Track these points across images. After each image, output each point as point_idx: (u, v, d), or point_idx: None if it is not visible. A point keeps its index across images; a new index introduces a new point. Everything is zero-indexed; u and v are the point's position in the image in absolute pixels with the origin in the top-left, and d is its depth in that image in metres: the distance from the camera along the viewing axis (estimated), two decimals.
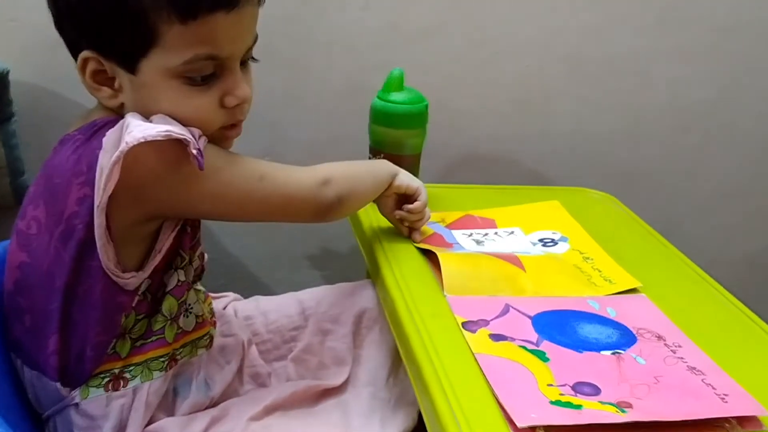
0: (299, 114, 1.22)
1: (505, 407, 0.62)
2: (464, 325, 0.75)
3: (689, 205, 1.39)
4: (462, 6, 1.19)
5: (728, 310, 0.84)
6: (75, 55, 0.70)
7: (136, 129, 0.64)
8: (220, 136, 0.74)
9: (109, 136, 0.66)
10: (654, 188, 1.36)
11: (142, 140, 0.63)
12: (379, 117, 0.99)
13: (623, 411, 0.62)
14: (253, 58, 0.76)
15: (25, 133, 1.13)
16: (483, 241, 0.96)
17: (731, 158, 1.37)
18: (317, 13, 1.15)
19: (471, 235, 0.97)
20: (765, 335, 0.79)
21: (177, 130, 0.65)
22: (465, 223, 1.01)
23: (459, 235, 0.97)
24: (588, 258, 0.92)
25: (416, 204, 0.89)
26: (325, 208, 0.79)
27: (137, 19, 0.65)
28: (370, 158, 1.02)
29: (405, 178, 0.89)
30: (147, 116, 0.69)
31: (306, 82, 1.20)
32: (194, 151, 0.65)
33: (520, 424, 0.60)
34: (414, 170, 1.04)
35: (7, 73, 1.05)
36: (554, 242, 0.97)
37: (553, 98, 1.28)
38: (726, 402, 0.64)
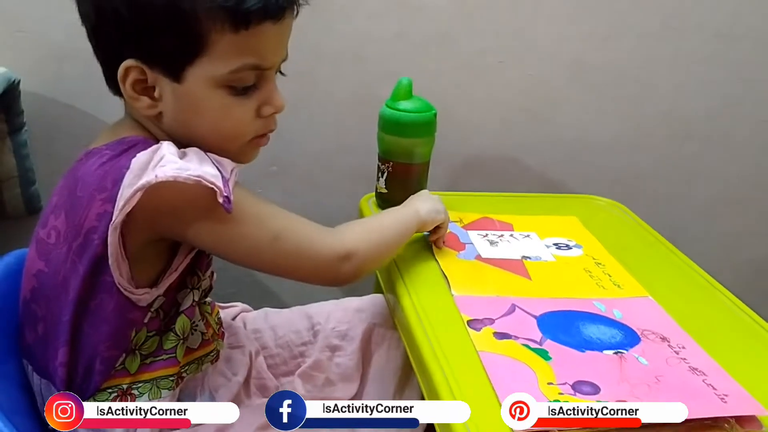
0: (307, 123, 1.22)
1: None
2: (469, 323, 0.77)
3: (693, 211, 1.40)
4: (467, 15, 1.20)
5: (737, 315, 0.84)
6: (110, 66, 0.69)
7: (170, 165, 0.63)
8: (252, 145, 0.75)
9: (139, 158, 0.65)
10: (658, 194, 1.37)
11: (171, 179, 0.63)
12: (388, 125, 0.99)
13: None
14: (280, 71, 0.76)
15: (36, 143, 1.14)
16: (497, 242, 0.97)
17: (734, 164, 1.37)
18: (325, 24, 1.16)
19: (486, 235, 0.99)
20: None
21: (209, 177, 0.64)
22: (482, 224, 1.03)
23: (474, 235, 0.99)
24: (600, 263, 0.93)
25: (437, 237, 0.93)
26: (340, 281, 0.77)
27: (190, 27, 0.65)
28: (378, 167, 1.03)
29: (428, 224, 0.90)
30: (188, 126, 0.70)
31: (314, 91, 1.20)
32: (221, 200, 0.65)
33: (515, 428, 0.61)
34: (422, 178, 1.04)
35: (18, 83, 1.06)
36: (568, 247, 0.98)
37: (558, 106, 1.28)
38: (725, 402, 0.65)
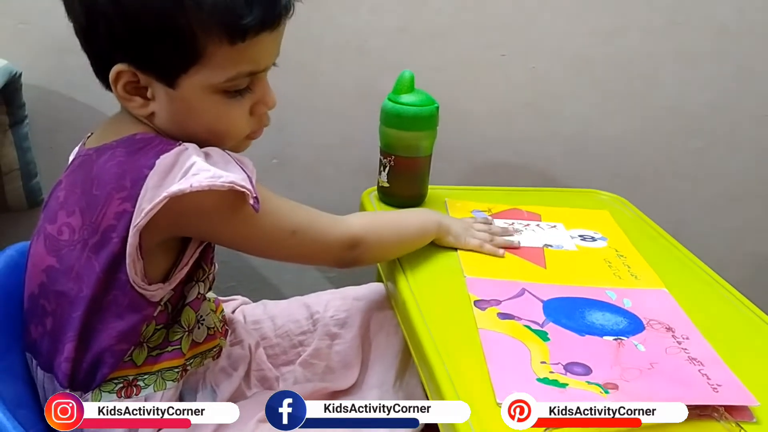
0: (309, 117, 1.22)
1: (492, 381, 0.64)
2: (476, 303, 0.78)
3: (696, 206, 1.39)
4: (470, 9, 1.19)
5: (739, 310, 0.84)
6: (101, 65, 0.69)
7: (203, 173, 0.64)
8: (246, 141, 0.76)
9: (164, 160, 0.65)
10: (661, 189, 1.37)
11: (207, 188, 0.63)
12: (390, 119, 0.99)
13: (606, 392, 0.63)
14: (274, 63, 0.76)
15: (37, 136, 1.14)
16: (522, 231, 0.99)
17: (737, 160, 1.37)
18: (327, 17, 1.16)
19: (513, 224, 1.00)
20: None
21: (240, 182, 0.65)
22: (511, 214, 1.05)
23: (501, 223, 1.00)
24: (621, 255, 0.94)
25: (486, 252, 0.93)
26: (344, 265, 0.82)
27: (185, 41, 0.65)
28: (380, 161, 1.03)
29: (447, 237, 0.92)
30: (182, 127, 0.70)
31: (316, 84, 1.20)
32: (251, 201, 0.67)
33: (499, 400, 0.61)
34: (424, 172, 1.04)
35: (20, 76, 1.06)
36: (593, 239, 0.99)
37: (562, 100, 1.28)
38: (717, 392, 0.65)
